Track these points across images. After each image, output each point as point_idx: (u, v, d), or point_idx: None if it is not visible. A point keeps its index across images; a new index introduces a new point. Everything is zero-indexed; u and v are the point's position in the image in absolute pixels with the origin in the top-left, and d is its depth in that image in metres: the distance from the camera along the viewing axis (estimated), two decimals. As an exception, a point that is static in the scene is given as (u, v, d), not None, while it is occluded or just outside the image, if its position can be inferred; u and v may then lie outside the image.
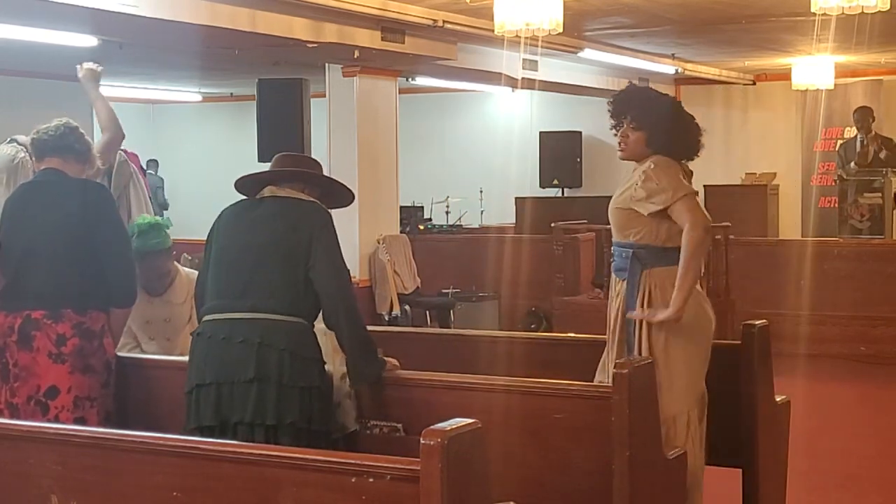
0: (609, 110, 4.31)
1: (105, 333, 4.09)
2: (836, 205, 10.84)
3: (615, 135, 4.27)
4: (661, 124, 4.14)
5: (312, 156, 9.57)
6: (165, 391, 4.08)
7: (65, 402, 3.98)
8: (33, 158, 4.29)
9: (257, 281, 3.67)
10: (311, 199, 3.85)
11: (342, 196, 4.07)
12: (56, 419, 3.93)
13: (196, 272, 4.97)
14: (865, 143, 11.01)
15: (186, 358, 3.82)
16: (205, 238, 3.94)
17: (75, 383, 3.99)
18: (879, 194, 10.32)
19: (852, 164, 10.88)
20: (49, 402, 3.98)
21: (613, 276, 4.27)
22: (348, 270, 3.80)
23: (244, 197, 3.93)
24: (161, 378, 4.16)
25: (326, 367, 3.76)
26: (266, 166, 4.05)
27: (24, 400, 3.99)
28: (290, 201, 3.81)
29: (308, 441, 3.54)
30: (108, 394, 4.09)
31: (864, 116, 11.24)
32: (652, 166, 4.10)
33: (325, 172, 4.08)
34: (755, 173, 14.67)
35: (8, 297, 4.06)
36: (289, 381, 3.58)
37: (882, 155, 10.79)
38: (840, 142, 12.05)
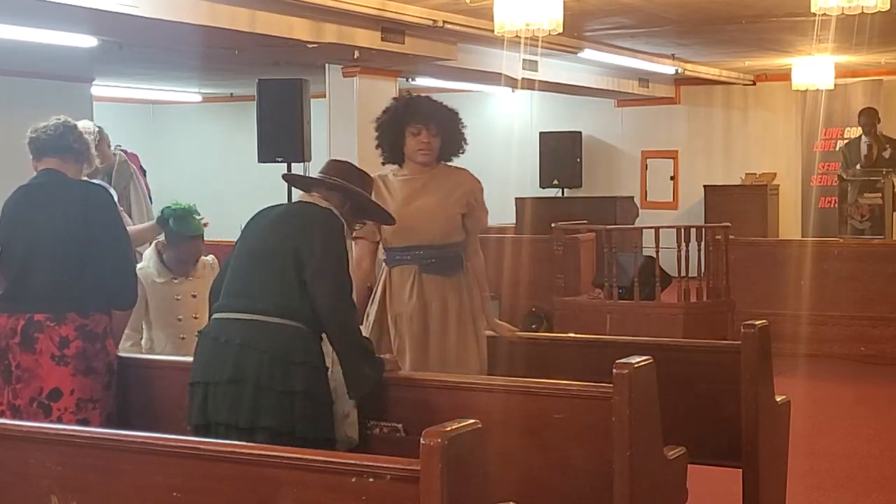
0: (416, 118, 4.45)
1: (107, 335, 4.09)
2: (836, 205, 10.85)
3: (424, 141, 4.46)
4: (456, 134, 4.57)
5: (312, 156, 9.60)
6: (167, 391, 4.08)
7: (67, 404, 3.98)
8: (32, 158, 4.28)
9: (253, 282, 3.66)
10: (330, 206, 3.79)
11: (380, 218, 4.12)
12: (59, 421, 3.91)
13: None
14: (871, 144, 11.01)
15: (188, 357, 3.83)
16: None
17: (78, 385, 3.99)
18: (879, 194, 10.33)
19: (858, 165, 10.89)
20: (52, 404, 3.97)
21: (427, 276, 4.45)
22: (350, 280, 3.75)
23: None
24: (162, 378, 4.16)
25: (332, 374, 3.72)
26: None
27: (26, 402, 3.98)
28: (304, 206, 3.81)
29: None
30: (109, 395, 4.09)
31: (869, 119, 11.23)
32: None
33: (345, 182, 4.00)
34: (755, 173, 14.69)
35: (10, 299, 4.05)
36: (266, 384, 3.52)
37: (886, 154, 10.80)
38: (842, 142, 12.06)
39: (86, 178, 4.59)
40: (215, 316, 3.72)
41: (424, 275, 4.42)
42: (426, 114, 4.44)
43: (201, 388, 3.61)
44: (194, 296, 5.00)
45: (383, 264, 4.53)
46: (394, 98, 4.62)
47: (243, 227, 3.86)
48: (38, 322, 3.97)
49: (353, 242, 4.37)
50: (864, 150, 11.01)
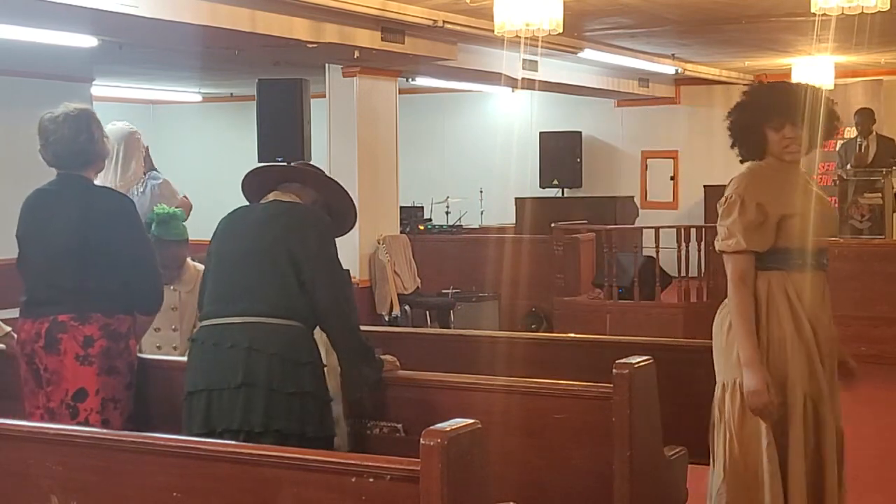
0: (774, 112, 3.77)
1: (130, 335, 4.07)
2: (836, 205, 10.84)
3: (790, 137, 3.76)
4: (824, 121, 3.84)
5: (312, 156, 9.60)
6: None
7: (93, 404, 3.95)
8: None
9: (249, 285, 3.62)
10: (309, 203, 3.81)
11: (349, 219, 3.94)
12: (86, 422, 3.89)
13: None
14: (865, 144, 11.02)
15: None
16: (205, 238, 3.94)
17: (102, 385, 3.96)
18: (879, 194, 10.32)
19: (848, 165, 10.89)
20: (78, 405, 3.93)
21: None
22: (346, 273, 3.77)
23: (245, 201, 3.92)
24: (182, 378, 4.14)
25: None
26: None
27: (57, 404, 3.97)
28: (288, 205, 3.77)
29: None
30: (129, 396, 4.07)
31: (865, 119, 11.23)
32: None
33: (325, 173, 4.05)
34: (755, 173, 14.67)
35: (33, 303, 4.03)
36: (278, 386, 3.50)
37: (880, 155, 10.80)
38: (841, 142, 12.06)
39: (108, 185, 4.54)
40: (208, 322, 3.65)
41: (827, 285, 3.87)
42: (786, 104, 3.73)
43: (204, 397, 3.56)
44: (174, 308, 4.99)
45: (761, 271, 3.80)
46: (744, 91, 3.92)
47: (217, 234, 3.82)
48: (62, 323, 3.95)
49: (735, 255, 3.67)
50: (857, 149, 11.02)
